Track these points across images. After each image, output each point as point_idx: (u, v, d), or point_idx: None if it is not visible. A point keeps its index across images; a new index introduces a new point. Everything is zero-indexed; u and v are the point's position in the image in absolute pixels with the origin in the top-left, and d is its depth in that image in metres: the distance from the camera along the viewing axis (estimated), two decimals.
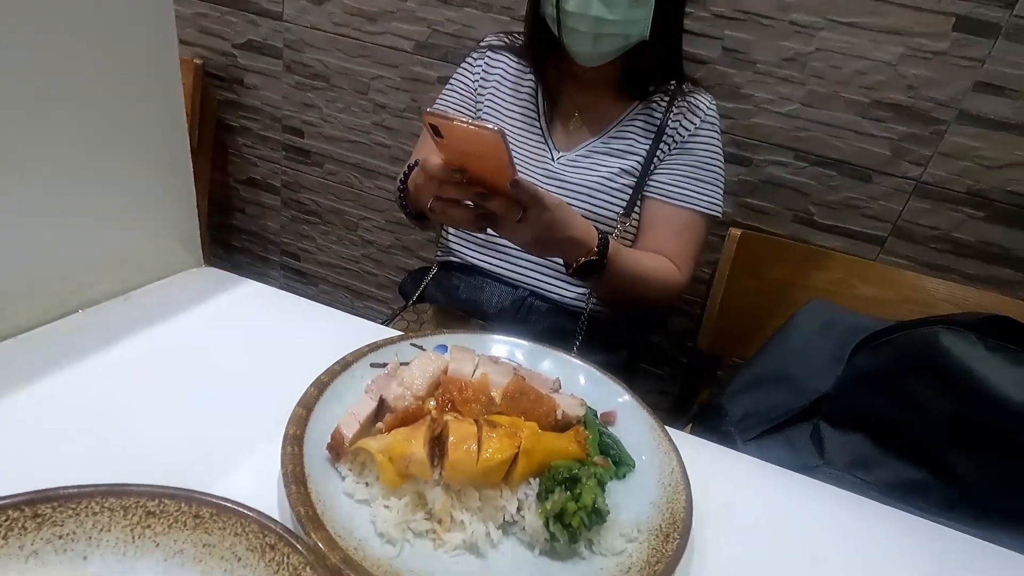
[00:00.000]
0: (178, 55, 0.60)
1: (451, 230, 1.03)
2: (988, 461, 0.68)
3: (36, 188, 0.50)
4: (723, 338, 1.08)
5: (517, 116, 0.99)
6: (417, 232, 1.55)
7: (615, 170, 0.94)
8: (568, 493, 0.39)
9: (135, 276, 0.62)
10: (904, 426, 0.71)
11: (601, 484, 0.41)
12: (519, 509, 0.40)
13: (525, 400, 0.45)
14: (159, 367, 0.51)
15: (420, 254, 1.58)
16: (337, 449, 0.41)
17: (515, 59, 1.01)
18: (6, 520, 0.31)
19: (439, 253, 1.07)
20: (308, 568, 0.32)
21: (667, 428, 0.52)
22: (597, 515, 0.40)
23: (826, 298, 0.93)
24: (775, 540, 0.47)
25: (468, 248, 1.00)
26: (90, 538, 0.33)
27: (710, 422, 0.88)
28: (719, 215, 0.95)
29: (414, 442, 0.39)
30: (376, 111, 1.46)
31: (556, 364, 0.57)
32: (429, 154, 0.61)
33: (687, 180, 0.94)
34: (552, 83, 0.98)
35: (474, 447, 0.39)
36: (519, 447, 0.40)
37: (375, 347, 0.53)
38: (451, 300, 0.97)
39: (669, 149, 0.95)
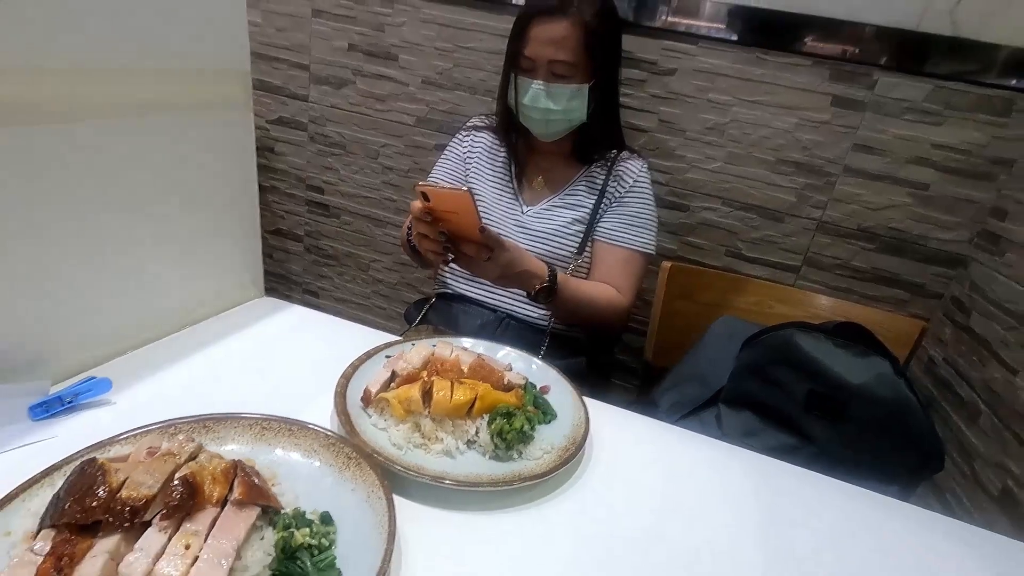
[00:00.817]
0: (253, 138, 0.89)
1: (446, 269, 1.32)
2: (835, 426, 0.94)
3: (150, 240, 0.76)
4: (664, 350, 1.34)
5: (494, 179, 1.28)
6: (418, 271, 1.84)
7: (569, 219, 1.22)
8: (505, 420, 0.65)
9: (220, 303, 0.90)
10: (776, 403, 0.97)
11: (529, 420, 0.68)
12: (476, 432, 0.67)
13: (483, 371, 0.71)
14: (251, 361, 0.79)
15: (421, 289, 1.87)
16: (367, 399, 0.68)
17: (492, 136, 1.32)
18: (188, 428, 0.58)
19: (436, 287, 1.35)
20: (354, 454, 0.58)
21: (585, 398, 0.78)
22: (523, 435, 0.66)
23: (745, 317, 1.20)
24: (649, 462, 0.73)
25: (459, 282, 1.28)
26: (232, 438, 0.59)
27: (648, 412, 1.14)
28: (652, 252, 1.23)
29: (413, 391, 0.65)
30: (384, 172, 1.77)
31: (520, 361, 0.84)
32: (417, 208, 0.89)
33: (625, 227, 1.22)
34: (520, 153, 1.28)
35: (448, 393, 0.65)
36: (477, 395, 0.67)
37: (388, 345, 0.81)
38: (445, 321, 1.24)
39: (610, 203, 1.24)
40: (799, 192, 1.40)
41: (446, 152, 1.36)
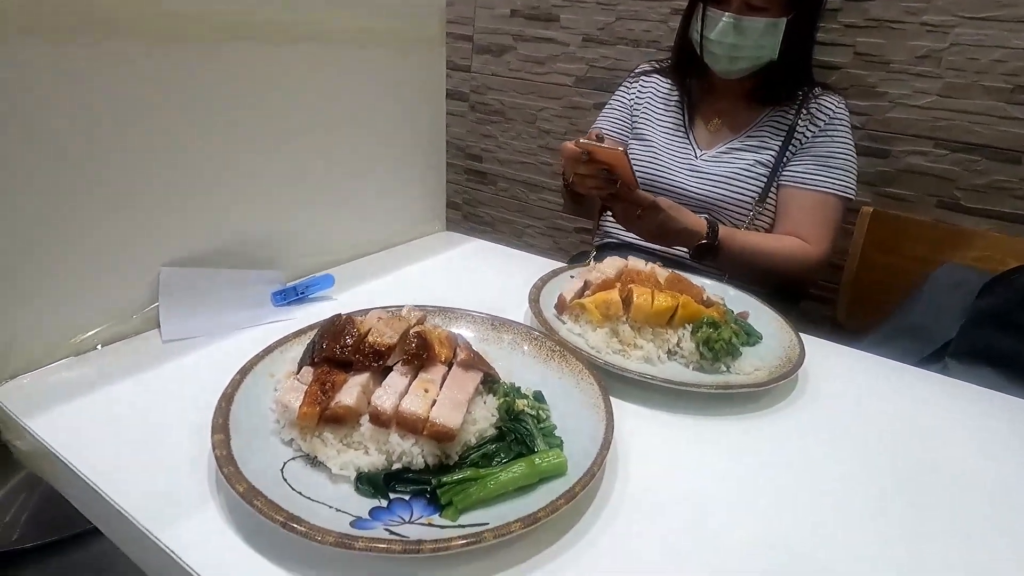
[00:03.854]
0: (444, 74, 0.94)
1: (609, 217, 1.29)
2: None
3: (355, 169, 0.83)
4: (859, 311, 1.18)
5: (666, 124, 1.22)
6: (572, 235, 1.83)
7: (750, 162, 1.12)
8: (712, 329, 0.61)
9: (410, 232, 0.96)
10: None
11: (736, 335, 0.62)
12: (678, 342, 0.62)
13: (681, 284, 0.67)
14: (441, 277, 0.83)
15: (573, 254, 1.85)
16: (561, 306, 0.67)
17: (663, 79, 1.25)
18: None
19: (596, 239, 1.33)
20: (557, 347, 0.58)
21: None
22: (731, 347, 0.60)
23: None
24: (874, 397, 0.63)
25: (623, 230, 1.24)
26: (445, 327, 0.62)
27: None
28: (851, 196, 1.09)
29: (612, 295, 0.63)
30: (541, 136, 1.79)
31: (714, 288, 0.78)
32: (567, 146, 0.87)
33: (818, 168, 1.09)
34: (695, 95, 1.20)
35: (649, 299, 0.62)
36: (679, 303, 0.63)
37: (573, 267, 0.80)
38: None
39: (801, 144, 1.12)
40: None
41: (611, 101, 1.33)
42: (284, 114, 0.70)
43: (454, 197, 2.06)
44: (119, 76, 0.53)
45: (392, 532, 0.36)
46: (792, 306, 1.36)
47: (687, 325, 0.63)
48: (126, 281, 0.58)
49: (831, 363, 0.68)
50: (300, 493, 0.39)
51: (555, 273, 0.77)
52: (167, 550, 0.36)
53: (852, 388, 0.64)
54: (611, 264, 0.70)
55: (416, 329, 0.49)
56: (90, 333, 0.56)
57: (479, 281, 0.83)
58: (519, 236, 1.96)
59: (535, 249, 1.93)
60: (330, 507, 0.38)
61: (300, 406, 0.42)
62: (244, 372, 0.49)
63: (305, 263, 0.76)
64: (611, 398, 0.50)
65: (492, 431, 0.46)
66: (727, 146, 1.17)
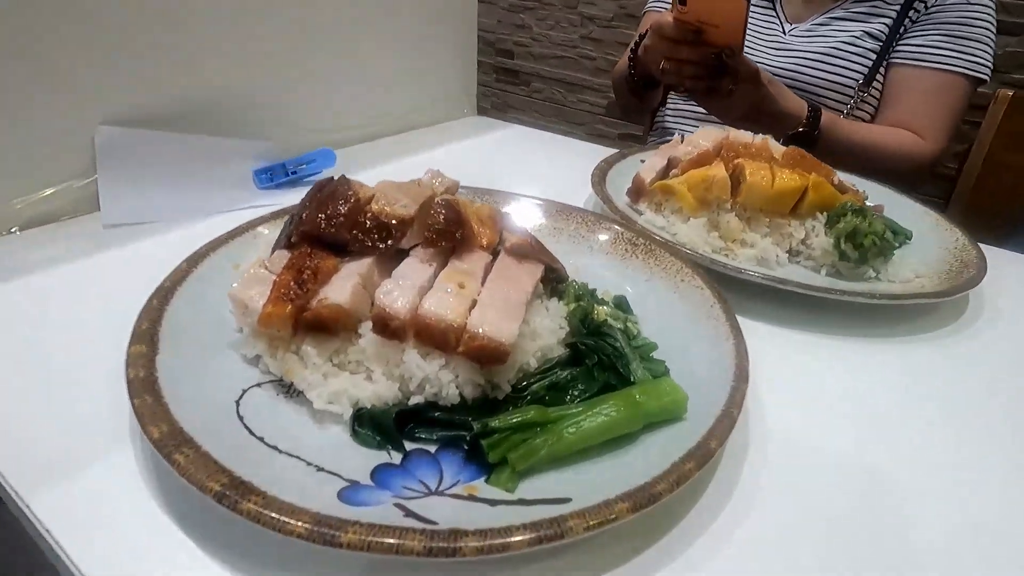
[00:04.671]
0: None
1: (669, 109, 1.07)
2: None
3: (373, 37, 0.65)
4: (976, 217, 0.97)
5: None
6: (615, 143, 1.61)
7: (857, 34, 0.88)
8: (860, 219, 0.43)
9: (435, 113, 0.78)
10: None
11: (891, 229, 0.44)
12: (805, 239, 0.45)
13: (805, 162, 0.48)
14: (472, 167, 0.65)
15: None
16: (638, 190, 0.49)
17: None
18: None
19: (652, 137, 1.12)
20: (640, 240, 0.41)
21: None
22: (884, 244, 0.43)
23: None
24: None
25: (688, 125, 1.03)
26: None
27: None
28: (985, 76, 0.85)
29: (716, 171, 0.45)
30: (584, 24, 1.53)
31: None
32: (661, 18, 0.65)
33: (944, 40, 0.85)
34: None
35: (769, 176, 0.44)
36: (808, 184, 0.44)
37: (643, 149, 0.61)
38: None
39: (926, 7, 0.87)
40: None
41: None
42: None
43: (481, 101, 1.83)
44: None
45: (407, 511, 0.21)
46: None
47: (819, 215, 0.45)
48: (52, 145, 0.43)
49: (1010, 276, 0.49)
50: (262, 440, 0.24)
51: (621, 155, 0.59)
52: (37, 523, 0.22)
53: None
54: (706, 135, 0.52)
55: (444, 198, 0.32)
56: (10, 211, 0.41)
57: (521, 169, 0.66)
58: None
59: None
60: (308, 464, 0.23)
61: (264, 304, 0.27)
62: (195, 260, 0.33)
63: (301, 138, 0.59)
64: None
65: (561, 350, 0.30)
66: (826, 16, 0.92)
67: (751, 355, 0.31)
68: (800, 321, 0.40)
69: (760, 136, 0.52)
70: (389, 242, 0.29)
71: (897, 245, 0.47)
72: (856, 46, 0.90)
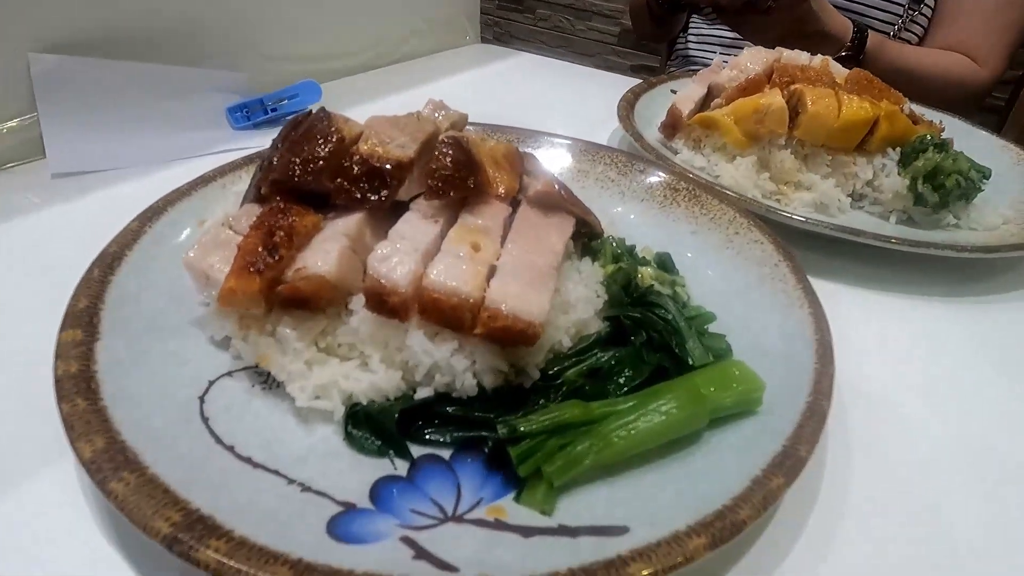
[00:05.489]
0: None
1: (692, 35, 0.97)
2: None
3: None
4: None
5: None
6: (629, 76, 1.49)
7: None
8: (941, 155, 0.36)
9: (433, 40, 0.69)
10: None
11: (976, 168, 0.37)
12: (873, 179, 0.38)
13: (872, 88, 0.41)
14: (473, 103, 0.57)
15: None
16: (674, 124, 0.42)
17: None
18: None
19: (672, 67, 1.02)
20: (681, 184, 0.34)
21: None
22: (969, 184, 0.36)
23: None
24: None
25: (712, 52, 0.93)
26: None
27: None
28: None
29: (771, 98, 0.38)
30: None
31: None
32: None
33: None
34: None
35: (834, 104, 0.37)
36: (880, 113, 0.37)
37: (674, 78, 0.53)
38: None
39: None
40: None
41: None
42: None
43: (483, 31, 1.70)
44: None
45: (418, 549, 0.16)
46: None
47: (890, 151, 0.38)
48: None
49: None
50: (231, 450, 0.19)
51: (649, 85, 0.51)
52: None
53: None
54: (755, 57, 0.44)
55: (450, 135, 0.25)
56: None
57: (534, 102, 0.58)
58: None
59: None
60: (290, 481, 0.18)
61: (229, 275, 0.21)
62: (148, 218, 0.27)
63: (281, 68, 0.51)
64: None
65: (599, 325, 0.24)
66: None
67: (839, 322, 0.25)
68: (868, 278, 0.34)
69: (819, 57, 0.44)
70: (383, 193, 0.23)
71: (982, 188, 0.41)
72: None
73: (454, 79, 0.62)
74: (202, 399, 0.21)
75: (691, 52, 0.98)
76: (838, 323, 0.26)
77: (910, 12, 0.81)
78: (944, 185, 0.36)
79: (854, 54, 0.68)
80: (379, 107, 0.49)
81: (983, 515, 0.22)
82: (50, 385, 0.19)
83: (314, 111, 0.26)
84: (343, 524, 0.17)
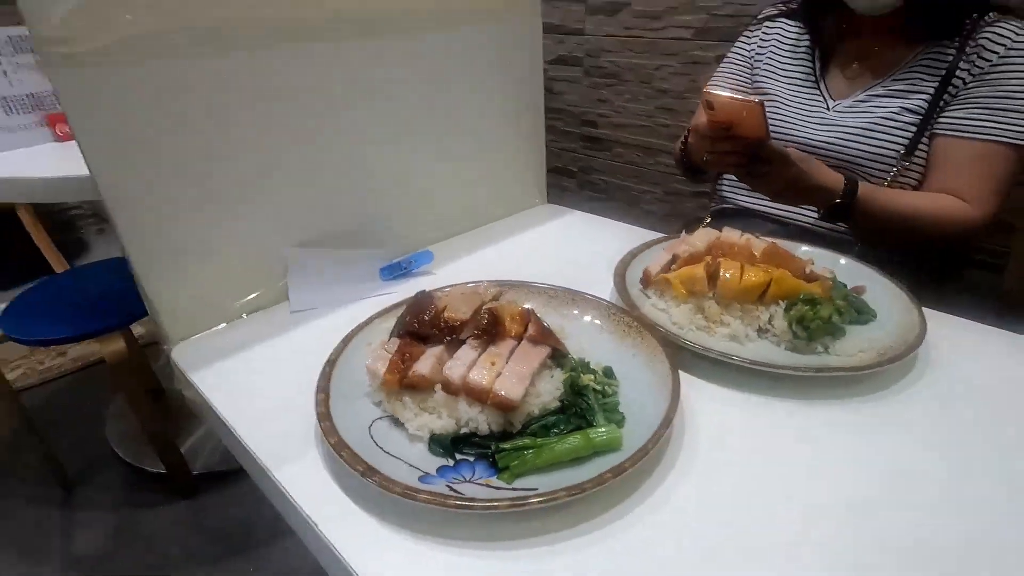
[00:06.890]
0: (541, 44, 0.94)
1: (726, 181, 1.20)
2: None
3: (458, 148, 0.88)
4: None
5: (791, 74, 1.10)
6: (690, 200, 1.73)
7: (895, 109, 0.97)
8: (808, 307, 0.56)
9: (511, 206, 0.99)
10: None
11: (840, 312, 0.57)
12: (770, 319, 0.59)
13: (778, 257, 0.62)
14: (537, 252, 0.86)
15: (689, 220, 1.76)
16: (646, 280, 0.66)
17: (791, 23, 1.12)
18: (490, 285, 0.65)
19: (713, 204, 1.25)
20: (635, 323, 0.58)
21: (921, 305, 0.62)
22: (831, 326, 0.56)
23: None
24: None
25: (741, 195, 1.15)
26: (524, 301, 0.65)
27: None
28: None
29: (697, 270, 0.61)
30: (658, 96, 1.70)
31: (824, 259, 0.72)
32: (699, 119, 0.81)
33: (986, 112, 0.91)
34: (828, 37, 1.06)
35: (737, 274, 0.59)
36: (771, 279, 0.59)
37: (668, 238, 0.77)
38: None
39: (963, 85, 0.94)
40: None
41: (729, 54, 1.22)
42: (390, 105, 0.76)
43: (570, 165, 2.06)
44: (252, 85, 0.62)
45: (452, 488, 0.41)
46: (954, 275, 1.18)
47: (780, 302, 0.59)
48: (264, 261, 0.69)
49: (966, 344, 0.59)
50: (381, 448, 0.45)
51: (646, 245, 0.76)
52: (279, 484, 0.44)
53: (988, 374, 0.56)
54: (702, 236, 0.68)
55: (489, 306, 0.52)
56: (238, 304, 0.68)
57: (572, 255, 0.85)
58: (635, 203, 1.90)
59: (652, 216, 1.87)
60: (405, 462, 0.44)
61: (384, 373, 0.48)
62: (346, 341, 0.56)
63: (410, 241, 0.83)
64: (693, 378, 0.49)
65: (556, 404, 0.48)
66: (867, 93, 1.02)
67: (706, 413, 0.47)
68: (754, 387, 0.54)
69: (746, 236, 0.66)
70: (454, 335, 0.50)
71: (860, 321, 0.60)
72: (896, 121, 1.00)
73: (521, 236, 0.90)
74: (370, 428, 0.48)
75: (725, 193, 1.22)
76: (709, 415, 0.48)
77: (902, 163, 0.99)
78: (809, 327, 0.56)
79: (845, 202, 0.88)
80: (475, 258, 0.80)
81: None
82: (314, 415, 0.47)
83: (426, 292, 0.55)
84: (424, 478, 0.42)
